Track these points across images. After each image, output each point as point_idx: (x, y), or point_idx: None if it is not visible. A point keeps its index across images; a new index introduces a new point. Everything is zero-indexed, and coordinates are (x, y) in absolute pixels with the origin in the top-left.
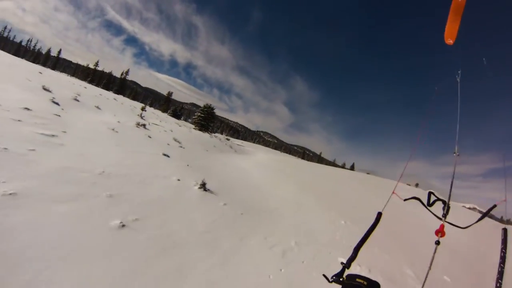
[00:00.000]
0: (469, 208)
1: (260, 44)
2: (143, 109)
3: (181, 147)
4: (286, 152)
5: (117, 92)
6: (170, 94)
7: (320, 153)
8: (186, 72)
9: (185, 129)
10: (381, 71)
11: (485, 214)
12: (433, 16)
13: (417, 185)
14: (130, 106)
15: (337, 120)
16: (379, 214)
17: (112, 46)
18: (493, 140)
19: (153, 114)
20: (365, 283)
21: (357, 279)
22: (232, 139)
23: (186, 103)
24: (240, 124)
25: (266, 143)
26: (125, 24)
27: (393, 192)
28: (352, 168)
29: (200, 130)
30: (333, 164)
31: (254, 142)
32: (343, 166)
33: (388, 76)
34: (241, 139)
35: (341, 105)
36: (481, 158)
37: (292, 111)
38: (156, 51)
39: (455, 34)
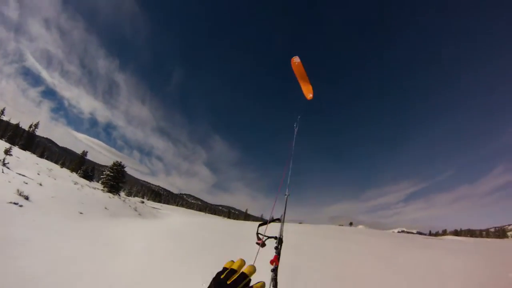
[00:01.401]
0: (399, 232)
1: (180, 104)
2: (7, 152)
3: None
4: (211, 213)
5: (23, 147)
6: (84, 153)
7: (246, 210)
8: (106, 132)
9: (81, 189)
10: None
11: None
12: None
13: (351, 224)
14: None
15: (259, 176)
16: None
17: (28, 97)
18: (408, 167)
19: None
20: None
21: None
22: (150, 203)
23: (105, 166)
24: (162, 188)
25: (190, 206)
26: (44, 74)
27: (257, 243)
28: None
29: (110, 191)
30: (260, 219)
31: (177, 205)
32: (272, 220)
33: (308, 130)
34: (163, 203)
35: (262, 161)
36: (400, 186)
37: (214, 172)
38: (76, 108)
39: (311, 90)
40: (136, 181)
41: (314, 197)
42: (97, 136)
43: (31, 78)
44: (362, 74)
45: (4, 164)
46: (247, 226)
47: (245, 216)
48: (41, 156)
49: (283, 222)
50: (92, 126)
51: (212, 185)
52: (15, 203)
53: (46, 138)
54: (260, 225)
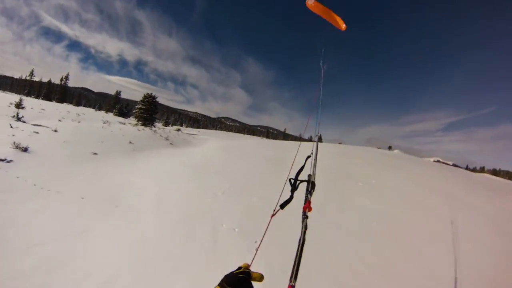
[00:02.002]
0: (434, 161)
1: (208, 31)
2: (18, 106)
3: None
4: (250, 134)
5: (59, 100)
6: (118, 93)
7: (285, 129)
8: (137, 70)
9: (107, 127)
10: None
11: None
12: None
13: (390, 147)
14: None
15: (295, 95)
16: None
17: (55, 55)
18: (449, 95)
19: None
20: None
21: (217, 287)
22: (186, 129)
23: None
24: (200, 114)
25: (228, 128)
26: (64, 28)
27: (271, 216)
28: (320, 140)
29: (143, 124)
30: (299, 139)
31: (216, 129)
32: (310, 140)
33: (340, 46)
34: (202, 128)
35: (297, 79)
36: (439, 114)
37: (250, 93)
38: (103, 53)
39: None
40: (173, 110)
41: (351, 118)
42: (129, 75)
43: (52, 35)
44: None
45: (18, 119)
46: (290, 146)
47: (284, 136)
48: (77, 104)
49: (315, 165)
50: (122, 67)
51: (249, 107)
52: (1, 160)
53: (82, 88)
54: (293, 179)
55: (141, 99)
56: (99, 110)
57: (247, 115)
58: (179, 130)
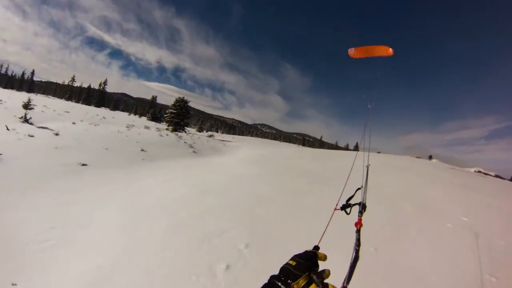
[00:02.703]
0: (475, 171)
1: (245, 38)
2: (26, 106)
3: None
4: (286, 141)
5: (97, 105)
6: (154, 98)
7: (321, 137)
8: (175, 76)
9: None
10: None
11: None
12: None
13: (430, 157)
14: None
15: (333, 102)
16: (316, 248)
17: (98, 62)
18: (494, 101)
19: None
20: (293, 263)
21: (289, 261)
22: (220, 135)
23: None
24: (236, 120)
25: (264, 135)
26: (107, 38)
27: (334, 209)
28: (356, 148)
29: (174, 130)
30: (335, 147)
31: (252, 136)
32: (346, 148)
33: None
34: (238, 134)
35: (336, 86)
36: (482, 121)
37: (287, 100)
38: (143, 60)
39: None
40: (210, 116)
41: (389, 125)
42: (167, 81)
43: (96, 44)
44: None
45: (26, 120)
46: (336, 157)
47: (320, 143)
48: (114, 109)
49: (366, 190)
50: (161, 74)
51: (286, 114)
52: None
53: (121, 93)
54: (344, 206)
55: (173, 103)
56: (135, 114)
57: (284, 121)
58: (211, 136)
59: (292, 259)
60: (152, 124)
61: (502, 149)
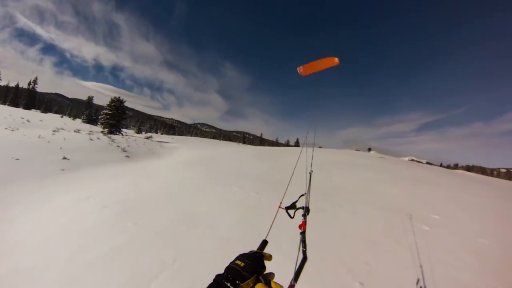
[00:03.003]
0: (409, 160)
1: (187, 35)
2: None
3: None
4: (226, 140)
5: (26, 107)
6: (90, 99)
7: (261, 134)
8: (113, 75)
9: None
10: (311, 47)
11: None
12: None
13: (369, 149)
14: None
15: (273, 100)
16: (265, 242)
17: (28, 58)
18: (423, 98)
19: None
20: (242, 264)
21: (237, 261)
22: (159, 136)
23: None
24: (176, 120)
25: (204, 134)
26: (39, 30)
27: (279, 207)
28: (297, 144)
29: (110, 132)
30: (275, 143)
31: (191, 136)
32: (287, 144)
33: (319, 52)
34: (177, 135)
35: (276, 84)
36: (413, 116)
37: (227, 99)
38: (79, 57)
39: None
40: (149, 117)
41: (328, 121)
42: (105, 80)
43: (27, 37)
44: None
45: None
46: (280, 154)
47: (260, 141)
48: (46, 111)
49: (309, 195)
50: (98, 72)
51: (225, 112)
52: None
53: (55, 93)
54: (288, 208)
55: (108, 103)
56: (69, 116)
57: (224, 120)
58: (149, 138)
59: (239, 259)
60: (87, 127)
61: (431, 140)
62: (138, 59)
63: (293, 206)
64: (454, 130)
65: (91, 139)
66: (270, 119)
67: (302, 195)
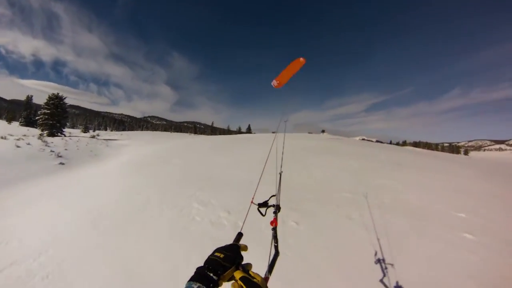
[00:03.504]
0: (360, 139)
1: (132, 25)
2: None
3: None
4: (177, 131)
5: None
6: (29, 98)
7: (212, 123)
8: (55, 71)
9: None
10: (259, 35)
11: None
12: None
13: (323, 131)
14: None
15: (221, 88)
16: (240, 235)
17: None
18: (371, 78)
19: None
20: (221, 255)
21: (216, 253)
22: (108, 134)
23: None
24: (125, 115)
25: (155, 127)
26: None
27: (251, 202)
28: (249, 130)
29: (51, 134)
30: (227, 131)
31: (142, 130)
32: (239, 131)
33: (269, 40)
34: (128, 130)
35: (224, 72)
36: (361, 97)
37: (176, 89)
38: (15, 53)
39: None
40: (97, 114)
41: (278, 105)
42: (46, 77)
43: None
44: None
45: None
46: (238, 145)
47: (212, 129)
48: None
49: (279, 194)
50: (38, 69)
51: (175, 103)
52: None
53: None
54: (259, 205)
55: (45, 101)
56: (6, 120)
57: (174, 111)
58: (94, 137)
59: (218, 251)
60: (23, 130)
61: (380, 119)
62: (82, 52)
63: (264, 204)
64: (401, 109)
65: (18, 146)
66: (220, 107)
67: (273, 195)
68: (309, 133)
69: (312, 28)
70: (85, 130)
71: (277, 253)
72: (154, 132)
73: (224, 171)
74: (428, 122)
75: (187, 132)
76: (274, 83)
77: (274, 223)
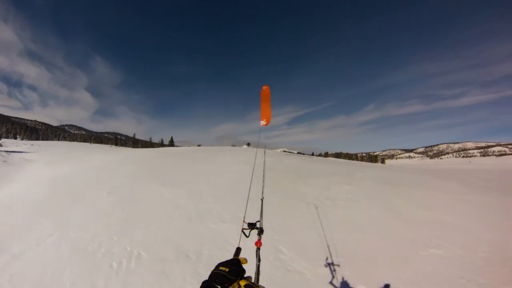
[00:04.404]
0: (282, 151)
1: (53, 21)
2: None
3: None
4: (97, 142)
5: None
6: None
7: (134, 134)
8: None
9: None
10: (182, 44)
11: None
12: None
13: (248, 144)
14: None
15: (144, 97)
16: (239, 249)
17: None
18: (294, 92)
19: None
20: (227, 269)
21: (220, 267)
22: (15, 143)
23: None
24: (39, 122)
25: (73, 137)
26: None
27: (243, 221)
28: (171, 143)
29: None
30: (149, 143)
31: (59, 140)
32: (161, 143)
33: (190, 48)
34: (42, 139)
35: (146, 80)
36: (285, 110)
37: (97, 96)
38: None
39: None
40: (6, 119)
41: (200, 118)
42: None
43: None
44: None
45: None
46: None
47: (134, 141)
48: None
49: (262, 219)
50: None
51: (95, 112)
52: None
53: None
54: (243, 229)
55: None
56: None
57: (94, 121)
58: None
59: (222, 265)
60: None
61: (302, 131)
62: None
63: (252, 224)
64: (322, 122)
65: None
66: (142, 118)
67: (258, 221)
68: (232, 146)
69: (236, 38)
70: None
71: (258, 272)
72: (71, 142)
73: (182, 224)
74: (347, 133)
75: (107, 144)
76: (263, 123)
77: (258, 243)
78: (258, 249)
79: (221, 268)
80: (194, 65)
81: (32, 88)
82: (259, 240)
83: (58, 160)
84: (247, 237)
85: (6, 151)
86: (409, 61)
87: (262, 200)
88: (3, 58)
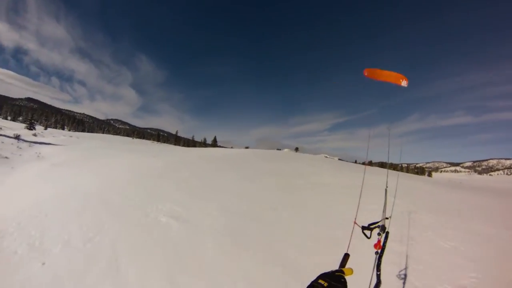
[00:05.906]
0: (324, 157)
1: (101, 20)
2: None
3: None
4: (140, 137)
5: None
6: None
7: (176, 131)
8: (15, 59)
9: None
10: (226, 44)
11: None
12: None
13: (296, 149)
14: None
15: (186, 96)
16: (346, 256)
17: None
18: (334, 99)
19: None
20: (325, 284)
21: (319, 280)
22: (56, 132)
23: (21, 99)
24: (87, 115)
25: (117, 131)
26: None
27: (354, 222)
28: (214, 142)
29: None
30: (192, 142)
31: (104, 133)
32: (204, 142)
33: (233, 49)
34: (88, 131)
35: (190, 80)
36: (326, 116)
37: (141, 94)
38: None
39: (370, 76)
40: (57, 110)
41: (241, 119)
42: (5, 65)
43: None
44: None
45: None
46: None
47: (176, 139)
48: None
49: (385, 211)
50: None
51: (138, 108)
52: None
53: None
54: (363, 228)
55: None
56: None
57: (137, 117)
58: (17, 137)
59: (321, 278)
60: None
61: (342, 139)
62: (46, 42)
63: (369, 227)
64: (363, 130)
65: None
66: (184, 117)
67: (386, 218)
68: (277, 149)
69: (282, 44)
70: (30, 127)
71: (379, 283)
72: (114, 136)
73: None
74: (389, 143)
75: (150, 139)
76: (404, 83)
77: (378, 246)
78: (377, 253)
79: (320, 281)
80: (236, 67)
81: (82, 83)
82: (379, 241)
83: (72, 160)
84: (368, 238)
85: (30, 142)
86: (454, 71)
87: (386, 189)
88: (56, 55)
